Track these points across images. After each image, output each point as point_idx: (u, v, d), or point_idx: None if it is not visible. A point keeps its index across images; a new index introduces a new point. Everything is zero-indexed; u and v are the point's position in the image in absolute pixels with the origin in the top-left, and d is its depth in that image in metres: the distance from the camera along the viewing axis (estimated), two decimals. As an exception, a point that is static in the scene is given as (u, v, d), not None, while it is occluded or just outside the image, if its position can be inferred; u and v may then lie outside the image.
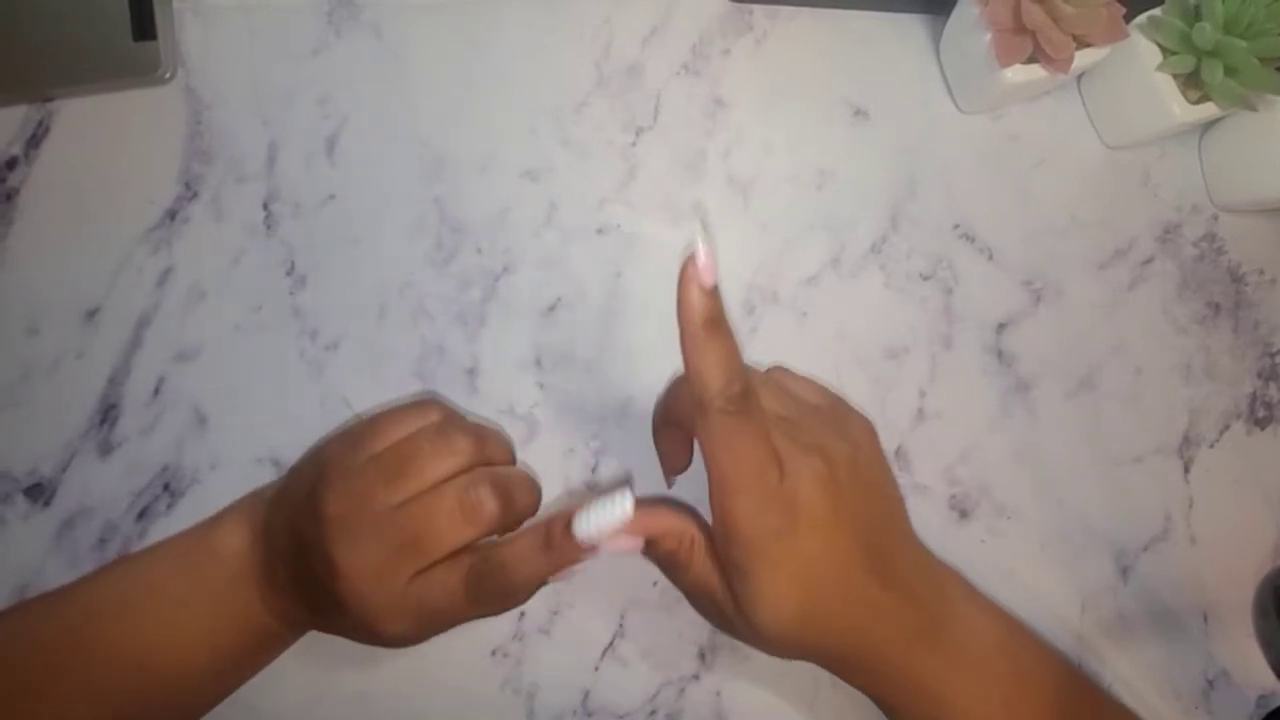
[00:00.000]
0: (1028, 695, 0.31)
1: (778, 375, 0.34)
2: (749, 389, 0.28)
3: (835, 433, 0.30)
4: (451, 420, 0.33)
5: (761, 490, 0.28)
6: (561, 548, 0.29)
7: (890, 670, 0.30)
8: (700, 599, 0.31)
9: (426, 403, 0.34)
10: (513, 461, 0.35)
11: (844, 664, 0.31)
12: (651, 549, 0.31)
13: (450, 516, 0.30)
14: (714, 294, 0.29)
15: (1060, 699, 0.31)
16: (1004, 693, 0.31)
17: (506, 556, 0.30)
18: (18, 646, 0.31)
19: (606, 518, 0.28)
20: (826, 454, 0.29)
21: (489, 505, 0.30)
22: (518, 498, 0.32)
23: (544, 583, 0.31)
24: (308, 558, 0.30)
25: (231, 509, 0.34)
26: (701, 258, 0.28)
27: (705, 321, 0.29)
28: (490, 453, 0.33)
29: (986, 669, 0.31)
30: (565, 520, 0.29)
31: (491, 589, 0.30)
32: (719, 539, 0.29)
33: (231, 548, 0.32)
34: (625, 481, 0.29)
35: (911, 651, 0.30)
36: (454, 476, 0.31)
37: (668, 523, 0.30)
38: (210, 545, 0.33)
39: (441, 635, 0.36)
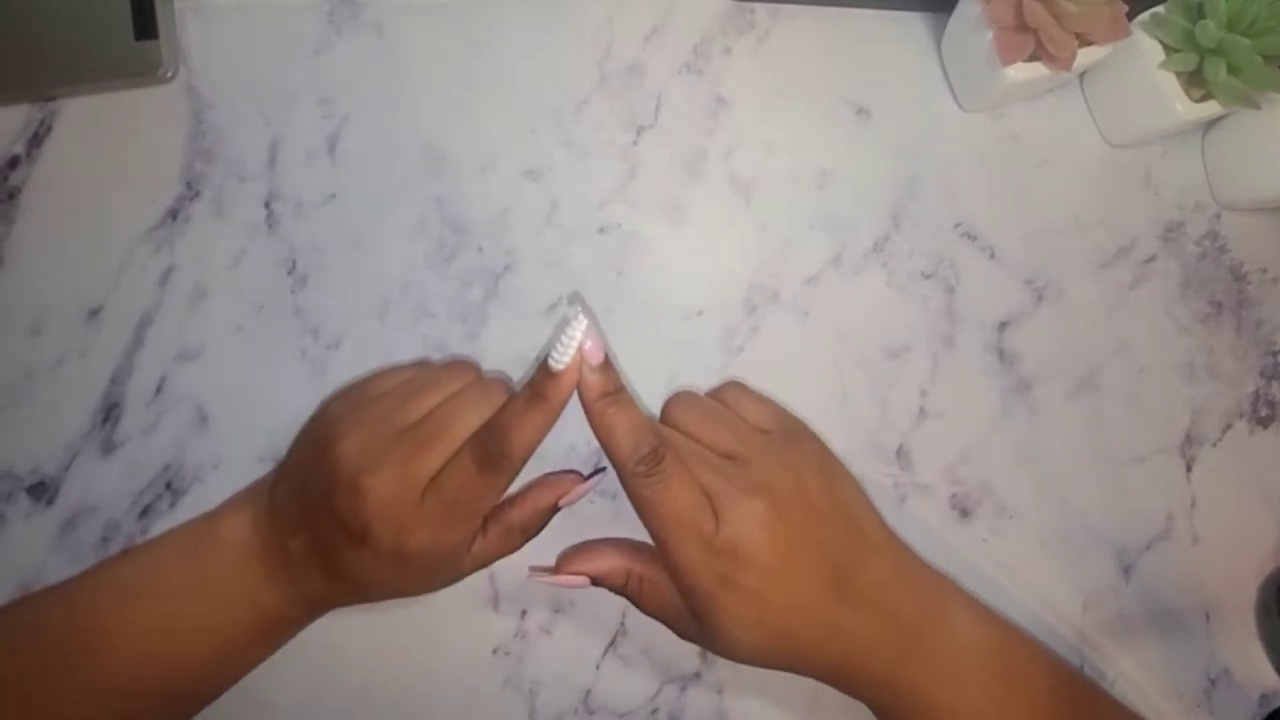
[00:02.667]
0: (1022, 698, 0.31)
1: (730, 393, 0.35)
2: (659, 448, 0.30)
3: (782, 462, 0.31)
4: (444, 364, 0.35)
5: (698, 541, 0.29)
6: (546, 390, 0.30)
7: (875, 681, 0.31)
8: (667, 624, 0.33)
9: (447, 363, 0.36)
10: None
11: (827, 677, 0.31)
12: (602, 583, 0.33)
13: (469, 403, 0.31)
14: (605, 368, 0.30)
15: (1057, 700, 0.31)
16: (997, 695, 0.31)
17: (503, 417, 0.31)
18: (23, 637, 0.31)
19: (571, 340, 0.29)
20: (770, 491, 0.30)
21: (500, 388, 0.32)
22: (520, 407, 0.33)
23: (540, 439, 0.31)
24: (329, 500, 0.30)
25: (232, 500, 0.35)
26: (585, 339, 0.29)
27: (601, 396, 0.30)
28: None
29: (977, 673, 0.31)
30: (544, 368, 0.30)
31: (496, 453, 0.30)
32: (675, 585, 0.31)
33: (234, 535, 0.32)
34: (574, 303, 0.32)
35: (893, 662, 0.30)
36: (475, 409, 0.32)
37: (608, 563, 0.33)
38: (212, 535, 0.33)
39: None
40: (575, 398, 0.30)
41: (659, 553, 0.31)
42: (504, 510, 0.34)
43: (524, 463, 0.31)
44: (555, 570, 0.33)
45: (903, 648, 0.30)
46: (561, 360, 0.29)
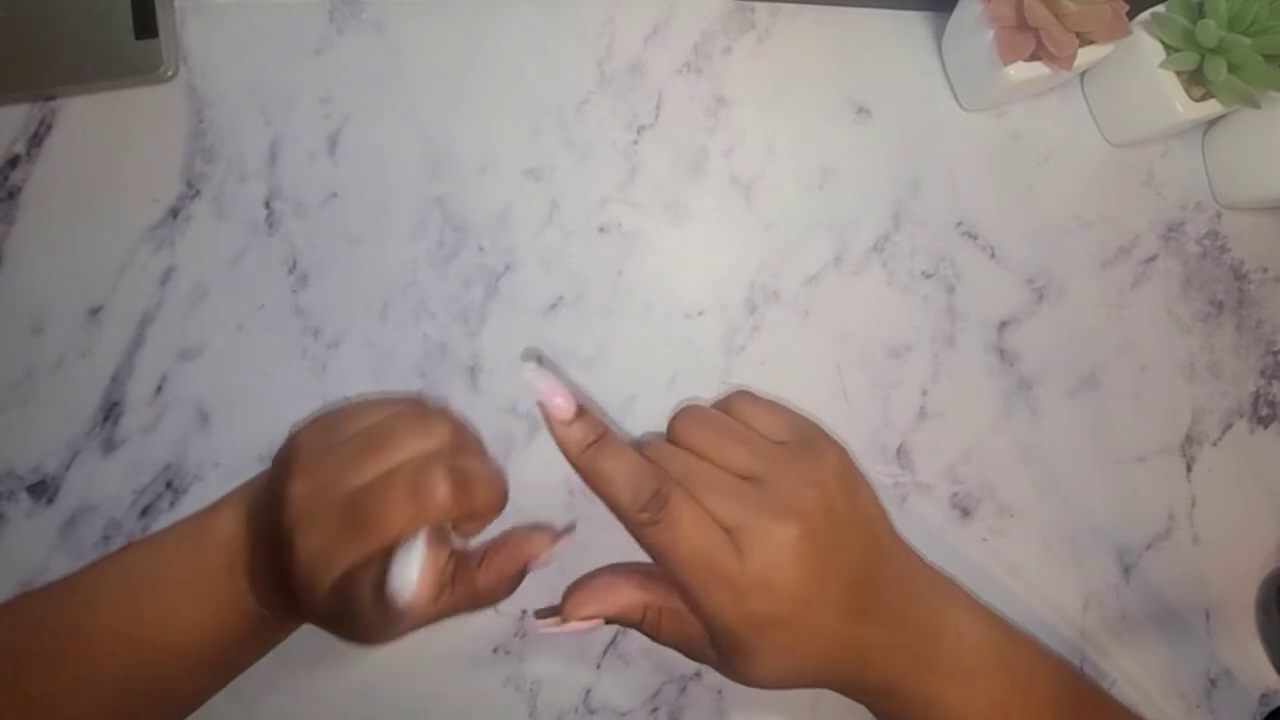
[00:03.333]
0: (1024, 699, 0.31)
1: (739, 405, 0.32)
2: (662, 489, 0.27)
3: (804, 477, 0.29)
4: (432, 407, 0.32)
5: (723, 582, 0.27)
6: (398, 617, 0.27)
7: (883, 686, 0.31)
8: (685, 654, 0.31)
9: (409, 395, 0.34)
10: (483, 459, 0.33)
11: (838, 685, 0.31)
12: (616, 622, 0.31)
13: (400, 494, 0.28)
14: (580, 420, 0.28)
15: (1059, 702, 0.31)
16: (999, 697, 0.31)
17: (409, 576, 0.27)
18: (18, 634, 0.31)
19: (409, 560, 0.26)
20: (796, 514, 0.28)
21: (440, 490, 0.28)
22: (477, 491, 0.30)
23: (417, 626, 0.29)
24: (274, 540, 0.29)
25: (228, 496, 0.34)
26: (547, 396, 0.27)
27: (583, 450, 0.28)
28: (467, 443, 0.32)
29: (979, 674, 0.31)
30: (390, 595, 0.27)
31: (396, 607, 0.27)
32: (701, 623, 0.29)
33: (225, 534, 0.32)
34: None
35: (904, 671, 0.30)
36: (426, 454, 0.29)
37: (622, 600, 0.30)
38: (206, 532, 0.33)
39: (444, 632, 0.35)
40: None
41: (682, 596, 0.28)
42: (470, 573, 0.30)
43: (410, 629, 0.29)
44: (563, 615, 0.31)
45: (910, 653, 0.30)
46: (405, 586, 0.25)
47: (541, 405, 0.28)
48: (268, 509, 0.31)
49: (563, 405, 0.28)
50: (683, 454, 0.29)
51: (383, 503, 0.28)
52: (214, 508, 0.34)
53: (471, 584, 0.30)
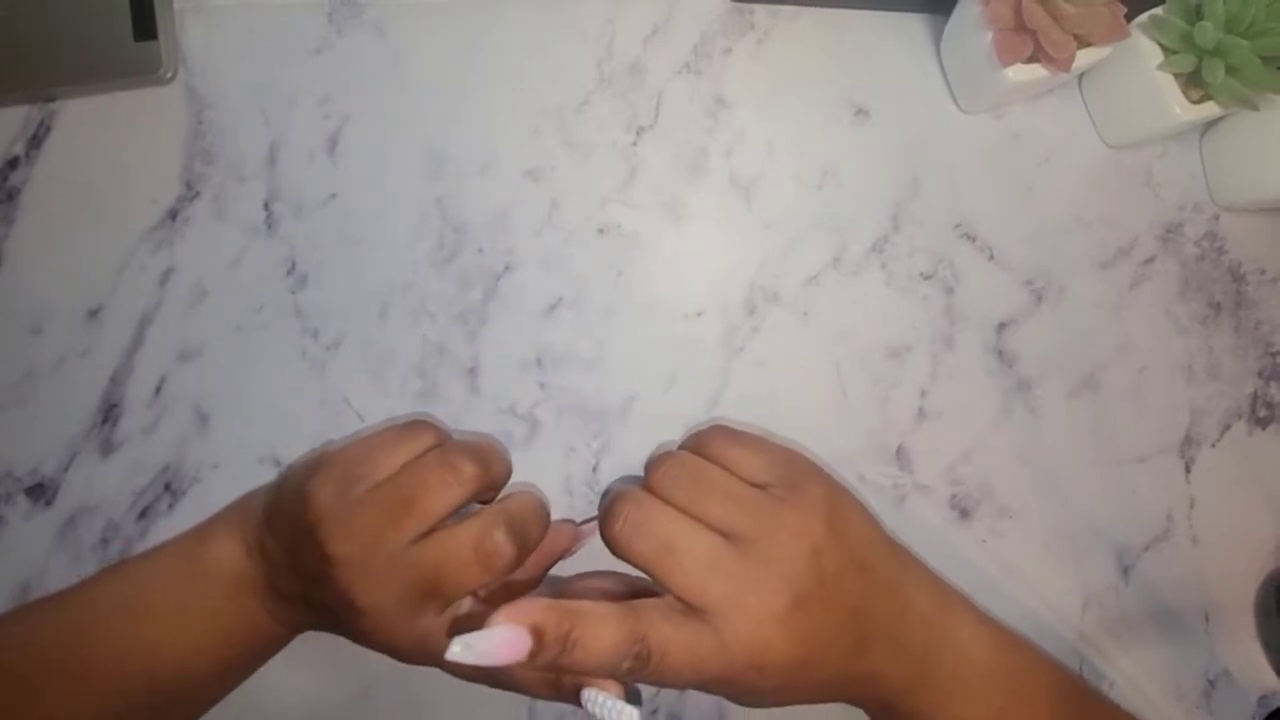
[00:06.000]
0: (1025, 710, 0.31)
1: (717, 446, 0.31)
2: (641, 648, 0.26)
3: (788, 529, 0.28)
4: (451, 446, 0.33)
5: (717, 675, 0.27)
6: (557, 686, 0.29)
7: (882, 701, 0.31)
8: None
9: (417, 425, 0.34)
10: (510, 475, 0.35)
11: (838, 700, 0.31)
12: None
13: (467, 562, 0.29)
14: (539, 644, 0.26)
15: (1057, 709, 0.31)
16: (1000, 708, 0.31)
17: (519, 512, 0.31)
18: (16, 652, 0.31)
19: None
20: (784, 579, 0.27)
21: (506, 552, 0.30)
22: (531, 533, 0.31)
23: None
24: (319, 592, 0.30)
25: (217, 522, 0.34)
26: (500, 657, 0.25)
27: (549, 664, 0.26)
28: (495, 475, 0.33)
29: (980, 686, 0.31)
30: (576, 685, 0.28)
31: (522, 541, 0.30)
32: None
33: (226, 560, 0.32)
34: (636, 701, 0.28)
35: (904, 691, 0.30)
36: (462, 505, 0.31)
37: (609, 645, 0.28)
38: (203, 559, 0.33)
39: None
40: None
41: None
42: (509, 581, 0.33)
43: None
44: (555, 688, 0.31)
45: (912, 671, 0.30)
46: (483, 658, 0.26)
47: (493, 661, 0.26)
48: (296, 556, 0.30)
49: (517, 648, 0.25)
50: (663, 522, 0.28)
51: (450, 566, 0.29)
52: (205, 534, 0.34)
53: (510, 589, 0.33)
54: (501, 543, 0.30)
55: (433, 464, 0.31)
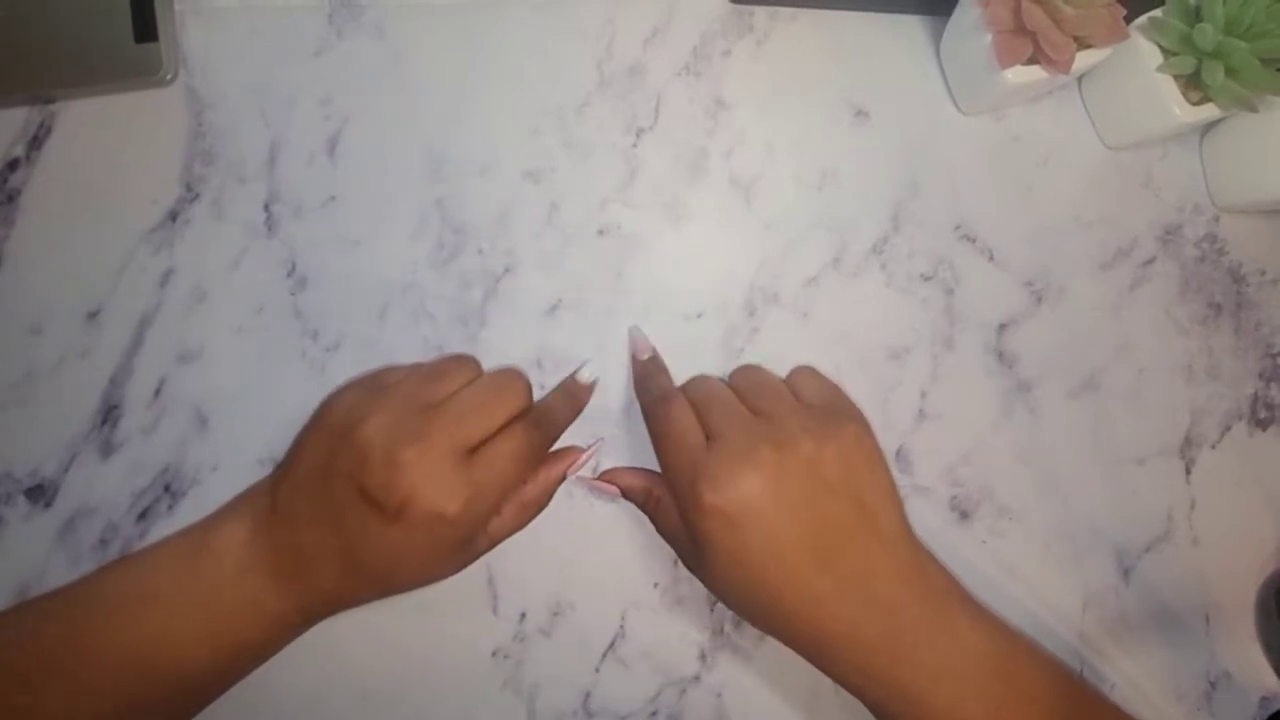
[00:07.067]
0: (1021, 706, 0.31)
1: (796, 375, 0.36)
2: (663, 400, 0.35)
3: (806, 429, 0.32)
4: (491, 374, 0.36)
5: (689, 465, 0.31)
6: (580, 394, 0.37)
7: (863, 671, 0.31)
8: (675, 550, 0.35)
9: (463, 357, 0.37)
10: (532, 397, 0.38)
11: (811, 655, 0.32)
12: (629, 496, 0.37)
13: (490, 397, 0.33)
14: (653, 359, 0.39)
15: (1054, 707, 0.31)
16: (994, 702, 0.31)
17: (553, 403, 0.36)
18: (19, 646, 0.31)
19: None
20: (782, 449, 0.31)
21: (518, 381, 0.34)
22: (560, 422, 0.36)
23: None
24: (358, 481, 0.30)
25: (227, 508, 0.34)
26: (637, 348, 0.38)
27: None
28: (530, 398, 0.36)
29: (976, 679, 0.31)
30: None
31: (549, 430, 0.35)
32: (678, 508, 0.33)
33: (233, 544, 0.32)
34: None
35: (884, 656, 0.30)
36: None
37: (635, 481, 0.37)
38: (210, 545, 0.33)
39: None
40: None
41: (665, 477, 0.34)
42: (518, 488, 0.36)
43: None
44: (594, 478, 0.38)
45: (897, 644, 0.30)
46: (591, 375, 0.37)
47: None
48: (324, 470, 0.32)
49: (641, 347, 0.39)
50: (714, 386, 0.35)
51: (482, 395, 0.33)
52: (210, 524, 0.34)
53: (522, 498, 0.36)
54: (514, 375, 0.35)
55: (445, 357, 0.35)
